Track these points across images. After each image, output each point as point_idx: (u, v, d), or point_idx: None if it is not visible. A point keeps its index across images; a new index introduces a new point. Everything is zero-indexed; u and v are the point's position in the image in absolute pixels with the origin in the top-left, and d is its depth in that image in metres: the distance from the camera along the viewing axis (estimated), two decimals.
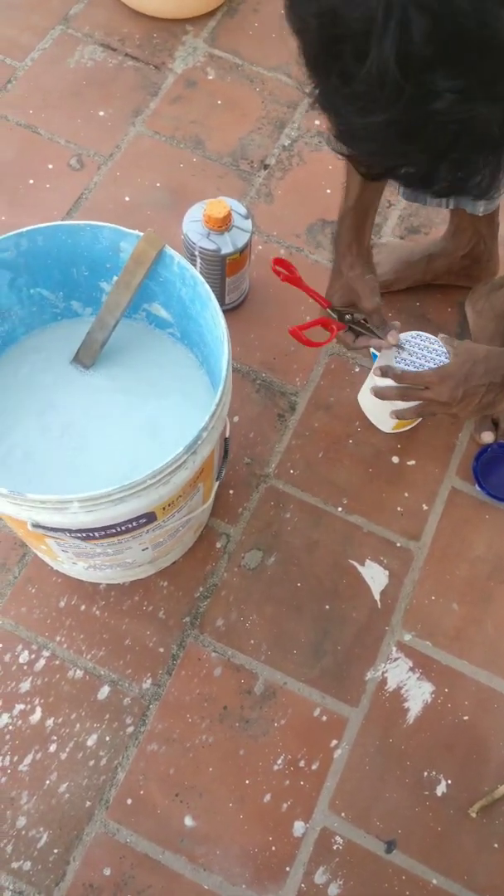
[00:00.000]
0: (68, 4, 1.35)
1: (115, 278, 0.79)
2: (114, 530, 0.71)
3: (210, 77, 1.31)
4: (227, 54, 1.33)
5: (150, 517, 0.72)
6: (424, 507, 1.01)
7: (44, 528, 0.66)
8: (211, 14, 1.37)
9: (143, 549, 0.82)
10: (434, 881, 0.83)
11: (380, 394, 0.89)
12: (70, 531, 0.68)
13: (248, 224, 1.01)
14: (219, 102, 1.28)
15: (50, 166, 1.20)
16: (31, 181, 1.19)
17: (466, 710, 0.91)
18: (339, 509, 1.00)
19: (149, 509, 0.69)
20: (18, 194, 1.18)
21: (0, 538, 0.96)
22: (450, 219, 1.08)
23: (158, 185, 1.20)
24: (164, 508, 0.72)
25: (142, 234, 0.72)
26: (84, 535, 0.70)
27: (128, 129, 1.25)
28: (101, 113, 1.26)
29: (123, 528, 0.71)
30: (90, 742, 0.87)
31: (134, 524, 0.71)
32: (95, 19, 1.34)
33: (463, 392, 0.84)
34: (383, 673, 0.92)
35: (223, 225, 0.97)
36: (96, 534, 0.70)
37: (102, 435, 0.81)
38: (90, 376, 0.83)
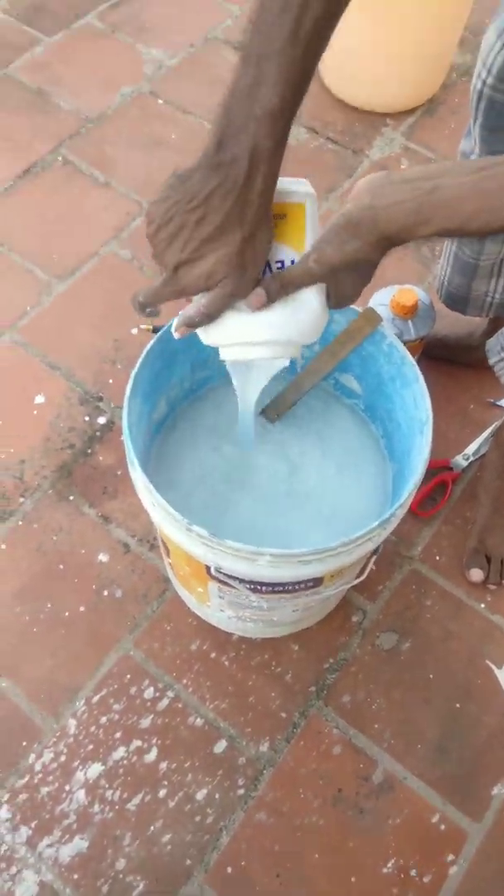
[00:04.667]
0: None
1: (316, 345, 0.81)
2: (281, 588, 0.71)
3: (403, 166, 1.36)
4: (421, 148, 1.39)
5: (317, 582, 0.72)
6: None
7: (223, 573, 0.67)
8: (411, 111, 1.43)
9: (293, 611, 0.82)
10: None
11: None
12: (244, 581, 0.69)
13: (431, 313, 1.03)
14: None
15: None
16: None
17: None
18: (482, 605, 0.97)
19: (323, 574, 0.69)
20: None
21: (145, 569, 0.99)
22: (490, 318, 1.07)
23: None
24: (332, 576, 0.73)
25: (360, 309, 0.75)
26: (254, 586, 0.70)
27: (322, 203, 1.31)
28: None
29: (291, 587, 0.72)
30: (199, 796, 0.86)
31: (301, 586, 0.72)
32: (303, 105, 1.43)
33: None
34: None
35: (409, 313, 1.00)
36: (264, 588, 0.71)
37: (270, 491, 0.82)
38: (270, 431, 0.85)
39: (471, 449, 1.07)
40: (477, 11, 1.54)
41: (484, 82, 0.75)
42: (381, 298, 1.03)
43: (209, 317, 0.58)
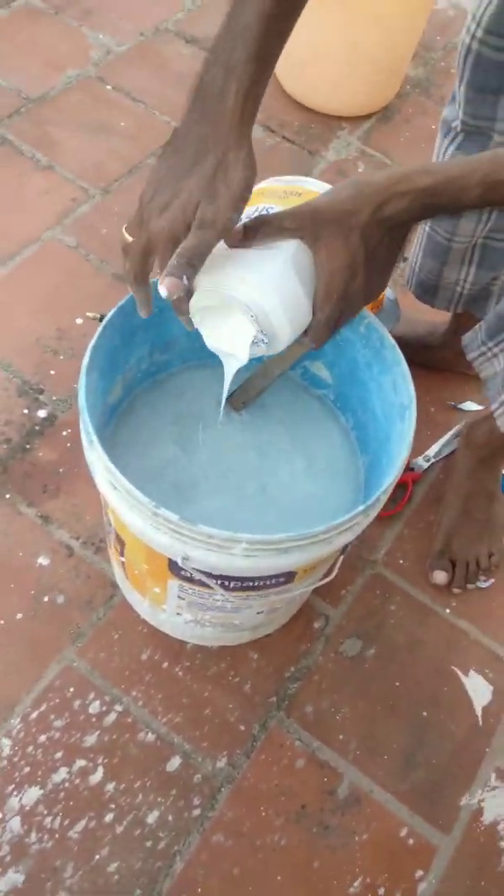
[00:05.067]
0: None
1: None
2: (251, 583, 0.66)
3: (360, 170, 1.35)
4: (377, 153, 1.38)
5: (289, 577, 0.67)
6: None
7: (190, 567, 0.61)
8: (367, 117, 1.43)
9: (258, 613, 0.76)
10: None
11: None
12: (213, 575, 0.63)
13: (396, 310, 1.01)
14: None
15: None
16: None
17: None
18: (448, 611, 0.94)
19: (298, 567, 0.64)
20: None
21: (91, 573, 0.91)
22: (453, 315, 1.05)
23: None
24: (305, 570, 0.67)
25: None
26: (223, 581, 0.64)
27: None
28: None
29: (261, 583, 0.66)
30: (150, 819, 0.78)
31: (273, 581, 0.66)
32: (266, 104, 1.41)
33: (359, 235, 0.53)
34: (480, 801, 0.83)
35: (375, 306, 0.97)
36: (233, 583, 0.65)
37: (235, 486, 0.77)
38: (235, 421, 0.80)
39: (432, 451, 1.05)
40: (429, 31, 1.57)
41: (473, 35, 0.73)
42: None
43: (190, 258, 0.51)
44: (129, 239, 0.55)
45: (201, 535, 0.57)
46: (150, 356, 0.77)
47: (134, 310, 0.69)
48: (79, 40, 1.43)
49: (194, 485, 0.75)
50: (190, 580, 0.66)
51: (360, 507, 0.59)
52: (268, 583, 0.66)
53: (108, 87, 1.37)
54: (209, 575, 0.63)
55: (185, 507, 0.73)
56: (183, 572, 0.63)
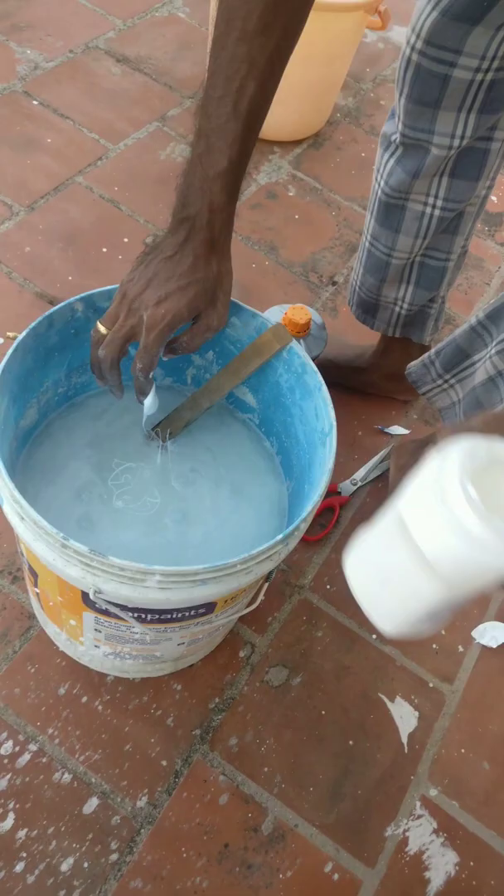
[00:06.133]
0: (168, 106, 1.42)
1: (210, 353, 0.76)
2: (170, 615, 0.63)
3: (290, 193, 1.36)
4: (308, 178, 1.40)
5: (209, 608, 0.65)
6: (461, 648, 0.95)
7: (103, 599, 0.58)
8: (298, 142, 1.45)
9: (178, 644, 0.74)
10: None
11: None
12: (128, 608, 0.60)
13: (323, 334, 1.01)
14: (296, 217, 1.33)
15: (126, 240, 1.21)
16: (105, 249, 1.19)
17: (494, 892, 0.80)
18: (374, 636, 0.93)
19: (217, 598, 0.62)
20: (89, 258, 1.17)
21: (6, 604, 0.86)
22: (381, 338, 1.07)
23: None
24: (226, 601, 0.65)
25: (270, 323, 0.69)
26: (139, 615, 0.62)
27: None
28: None
29: (181, 614, 0.64)
30: (65, 867, 0.74)
31: (192, 613, 0.64)
32: (191, 124, 1.40)
33: None
34: (405, 831, 0.82)
35: (301, 331, 0.97)
36: (150, 616, 0.63)
37: (156, 513, 0.74)
38: (156, 445, 0.78)
39: (359, 474, 1.05)
40: (359, 62, 1.60)
41: (412, 47, 0.75)
42: (272, 316, 0.99)
43: (191, 349, 0.65)
44: (104, 331, 0.63)
45: (112, 567, 0.54)
46: (68, 378, 0.74)
47: (47, 330, 0.67)
48: (6, 54, 1.40)
49: (111, 513, 0.72)
50: (105, 613, 0.63)
51: (279, 537, 0.57)
52: (186, 614, 0.64)
53: (35, 102, 1.34)
54: (123, 608, 0.60)
55: (101, 536, 0.70)
56: (97, 605, 0.61)
